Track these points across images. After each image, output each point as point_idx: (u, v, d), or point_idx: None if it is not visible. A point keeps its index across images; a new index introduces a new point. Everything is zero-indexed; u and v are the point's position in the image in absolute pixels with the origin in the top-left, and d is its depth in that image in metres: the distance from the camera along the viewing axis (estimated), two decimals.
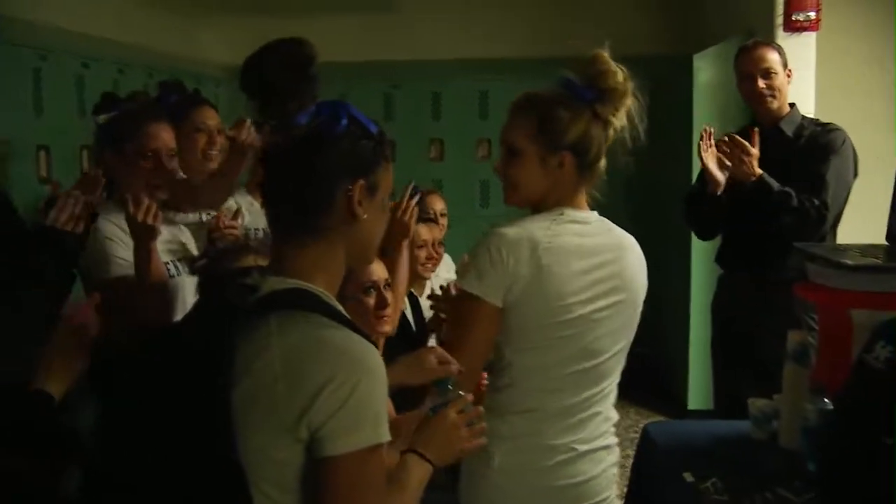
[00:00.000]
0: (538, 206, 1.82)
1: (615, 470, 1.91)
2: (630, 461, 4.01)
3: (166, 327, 2.22)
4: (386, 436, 1.26)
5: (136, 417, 1.54)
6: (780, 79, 3.13)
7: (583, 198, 1.84)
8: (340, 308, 1.34)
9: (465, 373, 1.72)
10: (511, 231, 1.74)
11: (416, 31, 5.85)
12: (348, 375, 1.21)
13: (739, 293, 3.22)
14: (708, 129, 3.13)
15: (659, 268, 6.63)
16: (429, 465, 1.45)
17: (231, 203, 2.88)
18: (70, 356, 1.61)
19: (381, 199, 1.39)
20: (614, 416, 1.92)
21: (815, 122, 3.23)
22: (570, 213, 1.79)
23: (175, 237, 2.53)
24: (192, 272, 2.21)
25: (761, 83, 3.12)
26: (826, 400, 2.04)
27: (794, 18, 4.23)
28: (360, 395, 1.21)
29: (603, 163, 1.83)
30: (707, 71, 4.82)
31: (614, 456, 1.91)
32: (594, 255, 1.78)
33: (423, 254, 3.16)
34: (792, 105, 3.21)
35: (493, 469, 1.77)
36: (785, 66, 3.16)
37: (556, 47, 6.48)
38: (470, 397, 1.57)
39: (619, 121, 1.80)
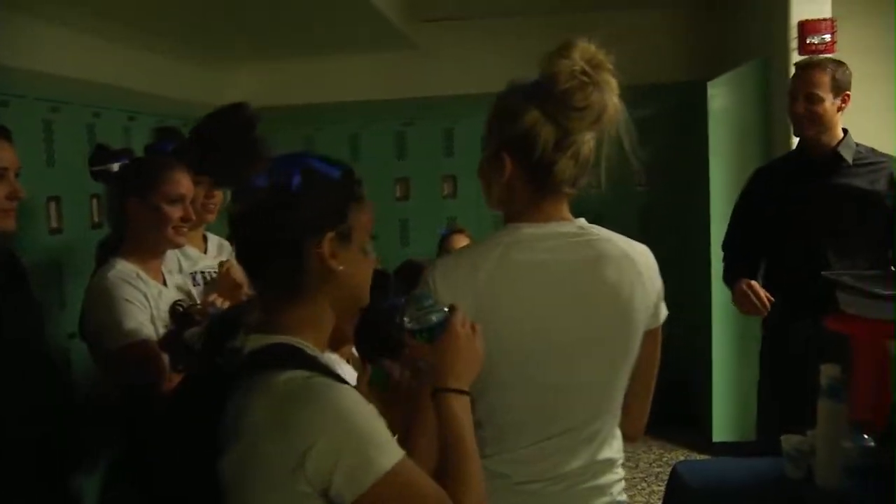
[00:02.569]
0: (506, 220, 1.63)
1: None
2: (655, 497, 3.93)
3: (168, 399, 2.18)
4: (398, 451, 1.20)
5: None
6: (826, 105, 2.91)
7: (553, 208, 1.58)
8: (323, 358, 1.31)
9: None
10: (450, 259, 1.59)
11: (431, 68, 5.87)
12: (330, 438, 1.16)
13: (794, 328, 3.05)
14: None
15: (678, 293, 6.59)
16: (464, 395, 1.36)
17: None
18: None
19: (360, 243, 1.35)
20: (611, 453, 1.65)
21: (870, 149, 3.01)
22: (526, 228, 1.55)
23: (184, 291, 2.51)
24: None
25: (800, 107, 2.94)
26: (866, 437, 1.96)
27: (808, 42, 4.21)
28: (350, 447, 1.16)
29: (569, 172, 1.54)
30: (722, 98, 4.79)
31: (610, 497, 1.65)
32: (556, 275, 1.53)
33: None
34: (845, 131, 2.99)
35: None
36: (839, 89, 2.92)
37: None
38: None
39: (582, 123, 1.52)
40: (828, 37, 4.17)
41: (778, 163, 3.22)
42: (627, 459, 5.38)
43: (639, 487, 4.65)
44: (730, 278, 3.08)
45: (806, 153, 3.03)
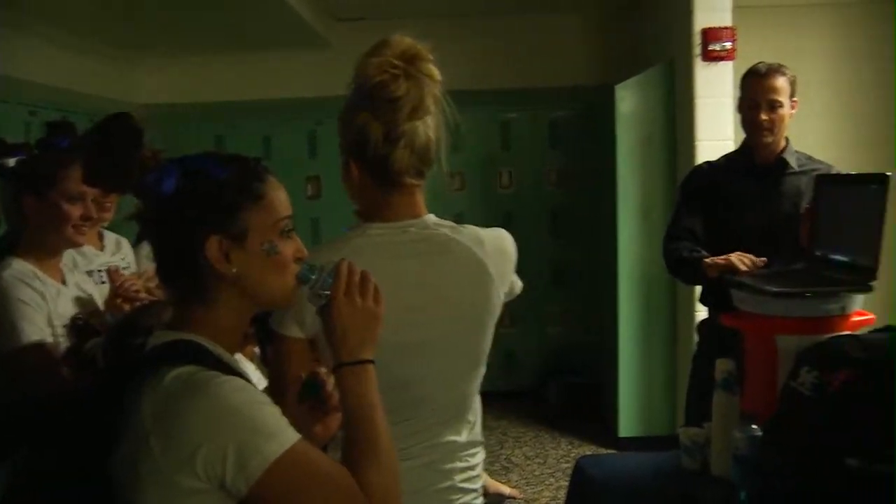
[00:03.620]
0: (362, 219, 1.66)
1: None
2: (562, 492, 4.00)
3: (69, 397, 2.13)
4: (290, 436, 1.19)
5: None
6: (783, 111, 2.92)
7: (404, 205, 1.61)
8: (225, 356, 1.29)
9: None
10: (309, 256, 1.55)
11: (345, 68, 5.85)
12: (217, 432, 1.15)
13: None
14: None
15: (587, 293, 6.74)
16: (361, 365, 1.33)
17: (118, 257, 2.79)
18: None
19: (260, 243, 1.30)
20: (460, 438, 1.65)
21: (808, 156, 3.05)
22: (373, 229, 1.59)
23: (82, 289, 2.44)
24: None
25: (764, 115, 2.91)
26: (755, 427, 2.04)
27: (710, 49, 4.36)
28: (237, 438, 1.15)
29: (406, 162, 1.56)
30: (629, 100, 4.90)
31: (451, 482, 1.65)
32: (400, 277, 1.54)
33: None
34: (786, 138, 3.02)
35: None
36: (792, 94, 2.94)
37: (485, 81, 6.61)
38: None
39: (401, 113, 1.53)
40: (728, 44, 4.33)
41: (721, 162, 3.17)
42: (536, 455, 5.44)
43: (547, 483, 4.73)
44: (694, 259, 2.86)
45: (752, 157, 3.03)
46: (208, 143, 6.22)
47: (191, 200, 1.26)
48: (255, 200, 1.30)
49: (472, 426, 1.69)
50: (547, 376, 6.07)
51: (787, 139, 3.00)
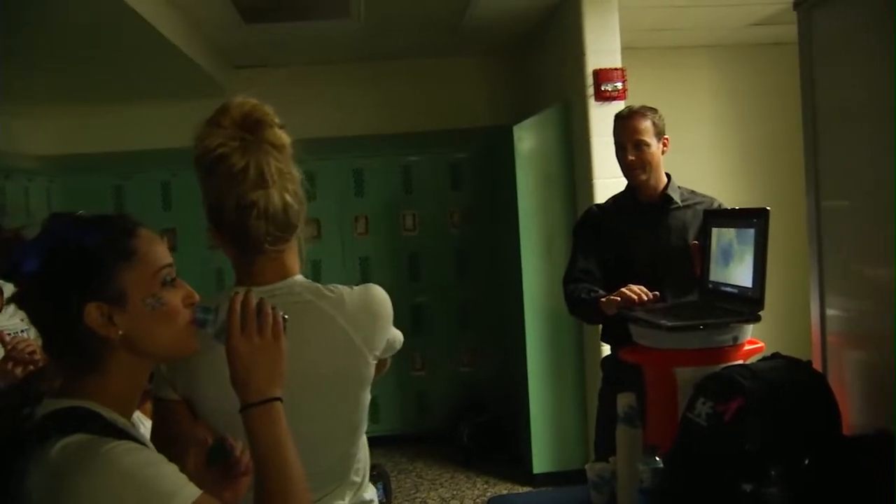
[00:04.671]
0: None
1: None
2: None
3: None
4: (190, 492, 1.14)
5: None
6: (652, 150, 3.00)
7: (271, 269, 1.59)
8: (120, 422, 1.25)
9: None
10: None
11: None
12: (110, 502, 1.11)
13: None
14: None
15: (495, 331, 6.77)
16: (265, 404, 1.28)
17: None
18: None
19: (142, 300, 1.26)
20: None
21: (691, 190, 3.15)
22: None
23: None
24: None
25: (631, 156, 3.00)
26: (658, 459, 2.08)
27: (603, 89, 4.49)
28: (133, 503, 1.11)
29: (263, 229, 1.54)
30: (527, 140, 5.00)
31: None
32: None
33: None
34: (668, 175, 3.10)
35: None
36: (660, 134, 3.03)
37: (385, 126, 6.67)
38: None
39: (245, 184, 1.52)
40: (619, 84, 4.47)
41: (609, 204, 3.25)
42: (452, 497, 5.42)
43: None
44: (592, 300, 2.88)
45: (636, 196, 3.10)
46: (106, 193, 6.09)
47: (59, 274, 1.22)
48: (127, 258, 1.25)
49: (358, 487, 1.67)
50: (459, 416, 6.08)
51: (668, 175, 3.10)
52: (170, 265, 1.30)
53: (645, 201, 3.09)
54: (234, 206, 1.52)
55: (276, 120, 1.56)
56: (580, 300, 2.98)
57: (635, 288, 2.68)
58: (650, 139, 3.00)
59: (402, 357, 6.71)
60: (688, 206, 3.07)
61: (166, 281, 1.29)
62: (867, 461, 1.83)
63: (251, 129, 1.53)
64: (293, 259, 1.63)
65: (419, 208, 6.37)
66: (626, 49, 4.61)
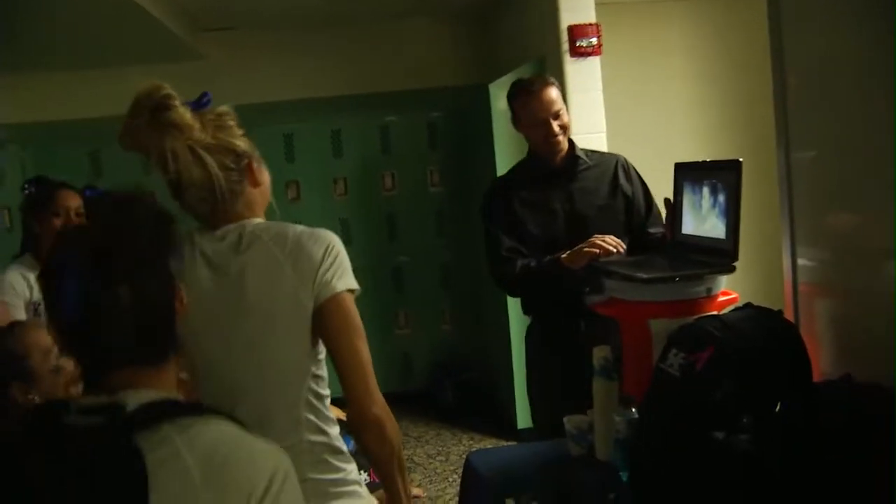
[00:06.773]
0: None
1: None
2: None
3: None
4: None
5: None
6: (565, 115, 3.01)
7: (223, 214, 1.79)
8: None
9: None
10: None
11: (213, 78, 5.77)
12: (270, 482, 1.14)
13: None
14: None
15: (477, 289, 6.80)
16: None
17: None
18: None
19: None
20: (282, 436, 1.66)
21: (590, 150, 3.17)
22: (199, 236, 1.80)
23: None
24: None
25: (555, 125, 2.96)
26: (633, 410, 2.12)
27: (578, 45, 4.47)
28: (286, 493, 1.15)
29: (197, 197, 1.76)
30: (504, 98, 4.97)
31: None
32: (211, 284, 1.74)
33: None
34: (570, 140, 3.07)
35: None
36: (564, 100, 3.05)
37: (362, 86, 6.63)
38: None
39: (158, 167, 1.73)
40: (594, 40, 4.46)
41: (514, 175, 3.21)
42: (437, 453, 5.48)
43: (450, 480, 4.78)
44: (548, 263, 2.85)
45: (545, 164, 3.05)
46: (82, 161, 6.03)
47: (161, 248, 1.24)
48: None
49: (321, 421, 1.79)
50: (443, 375, 6.13)
51: (570, 140, 3.07)
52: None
53: (556, 167, 3.05)
54: (169, 184, 1.74)
55: (175, 102, 1.70)
56: (528, 270, 2.89)
57: (609, 238, 2.69)
58: (562, 103, 3.01)
59: (386, 316, 6.77)
60: (595, 165, 3.08)
61: None
62: (836, 406, 1.86)
63: (154, 111, 1.69)
64: (246, 207, 1.81)
65: (398, 168, 6.36)
66: (601, 4, 4.59)
